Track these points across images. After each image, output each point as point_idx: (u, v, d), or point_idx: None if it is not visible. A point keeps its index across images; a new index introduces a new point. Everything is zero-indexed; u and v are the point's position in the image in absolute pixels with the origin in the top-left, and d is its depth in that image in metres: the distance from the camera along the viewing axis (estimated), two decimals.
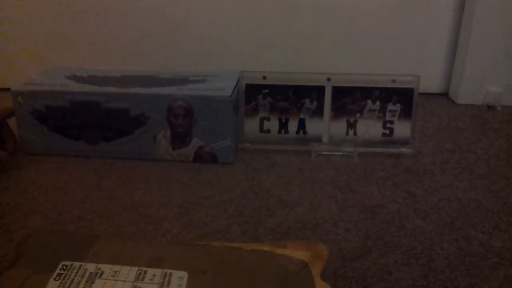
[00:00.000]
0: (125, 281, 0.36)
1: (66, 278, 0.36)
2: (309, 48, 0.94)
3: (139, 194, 0.59)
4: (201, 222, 0.53)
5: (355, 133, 0.70)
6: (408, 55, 0.94)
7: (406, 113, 0.69)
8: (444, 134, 0.78)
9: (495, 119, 0.84)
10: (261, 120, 0.70)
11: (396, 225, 0.53)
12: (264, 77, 0.69)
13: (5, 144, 0.67)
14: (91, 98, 0.65)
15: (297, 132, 0.70)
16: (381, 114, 0.69)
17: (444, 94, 0.96)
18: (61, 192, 0.60)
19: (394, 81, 0.68)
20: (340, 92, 0.68)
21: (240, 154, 0.70)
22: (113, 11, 0.92)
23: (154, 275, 0.37)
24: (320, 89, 0.69)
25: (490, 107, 0.90)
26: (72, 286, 0.35)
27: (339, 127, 0.70)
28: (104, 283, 0.36)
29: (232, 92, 0.65)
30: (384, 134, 0.70)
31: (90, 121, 0.67)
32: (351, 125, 0.70)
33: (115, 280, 0.36)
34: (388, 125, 0.69)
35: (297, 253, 0.42)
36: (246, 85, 0.69)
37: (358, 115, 0.69)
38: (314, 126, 0.70)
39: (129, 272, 0.37)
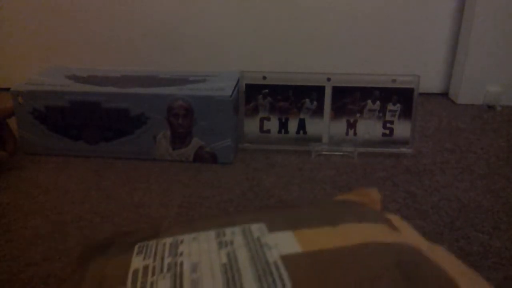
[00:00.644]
0: (208, 240, 0.36)
1: (147, 251, 0.36)
2: (309, 48, 0.94)
3: (139, 194, 0.59)
4: None
5: (355, 133, 0.70)
6: (408, 55, 0.94)
7: (406, 113, 0.69)
8: (444, 134, 0.78)
9: (495, 119, 0.84)
10: (261, 120, 0.70)
11: None
12: (264, 77, 0.69)
13: (5, 144, 0.67)
14: (91, 98, 0.65)
15: (297, 132, 0.70)
16: (381, 114, 0.69)
17: (444, 94, 0.96)
18: (61, 192, 0.60)
19: (394, 81, 0.68)
20: (340, 92, 0.68)
21: (240, 154, 0.70)
22: (113, 11, 0.92)
23: (233, 231, 0.37)
24: (320, 89, 0.69)
25: (490, 107, 0.90)
26: (157, 254, 0.35)
27: (339, 127, 0.70)
28: (189, 245, 0.36)
29: (232, 92, 0.65)
30: (384, 134, 0.70)
31: (90, 121, 0.67)
32: (351, 125, 0.70)
33: (198, 242, 0.36)
34: (388, 125, 0.69)
35: (353, 199, 0.44)
36: (246, 85, 0.69)
37: (358, 115, 0.69)
38: (314, 126, 0.70)
39: (208, 234, 0.37)
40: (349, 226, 0.37)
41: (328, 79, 0.68)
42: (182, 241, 0.36)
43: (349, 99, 0.69)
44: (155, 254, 0.35)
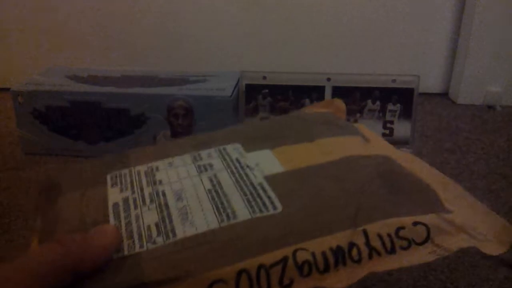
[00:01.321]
0: (185, 165, 0.34)
1: (123, 182, 0.34)
2: (309, 48, 0.94)
3: None
4: None
5: None
6: (408, 55, 0.93)
7: (406, 113, 0.69)
8: (444, 134, 0.78)
9: (495, 119, 0.84)
10: (261, 120, 0.70)
11: None
12: (264, 77, 0.69)
13: None
14: (91, 98, 0.65)
15: None
16: (381, 114, 0.69)
17: (444, 94, 0.96)
18: None
19: (394, 81, 0.68)
20: (340, 92, 0.68)
21: None
22: (113, 11, 0.92)
23: (209, 153, 0.36)
24: (320, 89, 0.69)
25: (490, 107, 0.90)
26: (134, 185, 0.33)
27: None
28: (167, 172, 0.34)
29: (232, 92, 0.65)
30: (384, 134, 0.70)
31: (90, 121, 0.67)
32: None
33: (175, 167, 0.34)
34: (388, 125, 0.69)
35: (320, 110, 0.44)
36: (246, 85, 0.69)
37: (358, 115, 0.69)
38: None
39: (183, 159, 0.35)
40: (326, 140, 0.37)
41: (328, 79, 0.68)
42: (157, 168, 0.34)
43: (349, 99, 0.69)
44: (132, 184, 0.33)
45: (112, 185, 0.33)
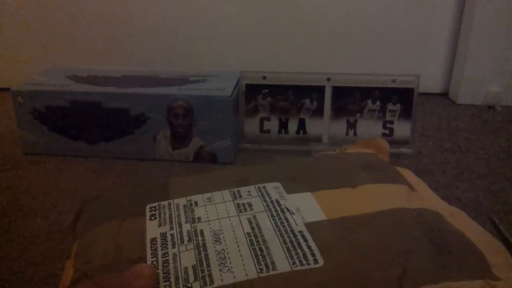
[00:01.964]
0: (224, 202, 0.34)
1: (161, 215, 0.33)
2: (309, 48, 0.94)
3: None
4: None
5: (355, 133, 0.70)
6: (408, 55, 0.94)
7: (406, 113, 0.69)
8: (444, 134, 0.78)
9: (495, 119, 0.84)
10: (261, 120, 0.70)
11: None
12: (264, 77, 0.69)
13: None
14: (91, 98, 0.65)
15: (297, 132, 0.70)
16: (381, 114, 0.69)
17: (444, 94, 0.96)
18: (61, 192, 0.60)
19: (394, 81, 0.68)
20: (340, 92, 0.68)
21: (240, 154, 0.70)
22: (113, 11, 0.92)
23: (249, 191, 0.35)
24: (320, 89, 0.69)
25: (490, 107, 0.90)
26: (173, 220, 0.32)
27: (339, 127, 0.70)
28: (205, 209, 0.33)
29: (232, 92, 0.65)
30: (384, 134, 0.70)
31: (90, 121, 0.67)
32: (351, 125, 0.70)
33: (214, 204, 0.34)
34: (388, 125, 0.69)
35: (362, 150, 0.43)
36: (246, 85, 0.69)
37: (358, 115, 0.69)
38: (314, 126, 0.70)
39: (222, 195, 0.35)
40: (369, 187, 0.36)
41: (328, 79, 0.68)
42: (196, 203, 0.34)
43: (349, 99, 0.69)
44: (171, 219, 0.33)
45: (150, 217, 0.33)
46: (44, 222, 0.53)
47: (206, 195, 0.35)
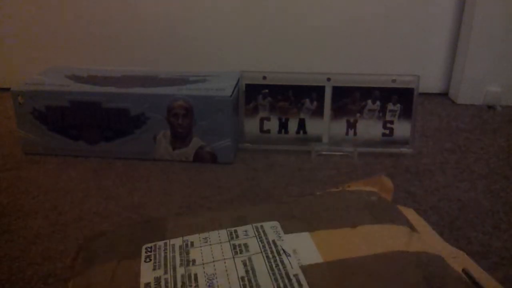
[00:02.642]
0: (220, 243, 0.34)
1: (157, 257, 0.33)
2: (309, 48, 0.94)
3: (139, 194, 0.59)
4: None
5: (355, 133, 0.70)
6: (408, 55, 0.94)
7: (406, 113, 0.69)
8: (444, 134, 0.78)
9: (495, 119, 0.84)
10: (261, 120, 0.70)
11: None
12: (264, 77, 0.69)
13: None
14: (91, 98, 0.65)
15: (297, 132, 0.70)
16: (381, 114, 0.69)
17: (444, 94, 0.96)
18: (61, 192, 0.60)
19: (394, 81, 0.68)
20: (340, 92, 0.68)
21: (240, 154, 0.70)
22: (113, 11, 0.92)
23: (246, 231, 0.35)
24: (320, 89, 0.69)
25: (490, 107, 0.90)
26: (168, 262, 0.32)
27: (339, 127, 0.70)
28: (201, 250, 0.33)
29: (232, 92, 0.65)
30: (384, 134, 0.70)
31: (90, 121, 0.67)
32: (351, 125, 0.70)
33: (210, 245, 0.33)
34: (388, 125, 0.69)
35: (365, 188, 0.42)
36: (246, 85, 0.69)
37: (358, 115, 0.69)
38: (314, 126, 0.70)
39: (219, 235, 0.34)
40: (369, 228, 0.35)
41: (328, 79, 0.68)
42: (192, 244, 0.34)
43: (349, 99, 0.69)
44: (165, 261, 0.33)
45: (145, 259, 0.33)
46: (44, 222, 0.53)
47: (203, 235, 0.35)
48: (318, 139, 0.70)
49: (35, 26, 0.94)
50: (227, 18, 0.92)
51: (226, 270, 0.31)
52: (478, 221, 0.54)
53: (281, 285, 0.30)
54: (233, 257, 0.32)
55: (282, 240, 0.34)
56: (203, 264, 0.32)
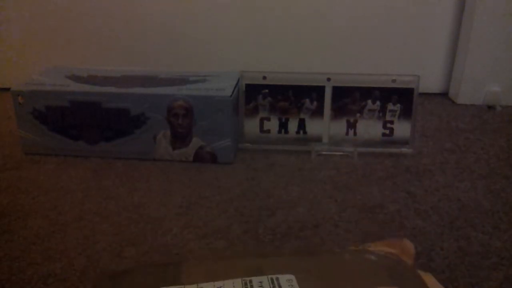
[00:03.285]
0: None
1: None
2: (309, 48, 0.94)
3: (139, 194, 0.59)
4: (201, 222, 0.53)
5: (355, 133, 0.70)
6: (408, 55, 0.94)
7: (406, 113, 0.69)
8: (444, 134, 0.78)
9: (495, 119, 0.84)
10: (261, 120, 0.70)
11: (396, 225, 0.53)
12: (264, 77, 0.69)
13: None
14: (91, 98, 0.65)
15: (297, 132, 0.70)
16: (381, 114, 0.69)
17: (444, 94, 0.96)
18: (61, 192, 0.60)
19: (394, 81, 0.68)
20: (340, 92, 0.68)
21: (240, 154, 0.70)
22: (113, 11, 0.92)
23: (261, 282, 0.34)
24: (320, 89, 0.69)
25: (490, 107, 0.90)
26: None
27: (339, 127, 0.70)
28: None
29: (232, 92, 0.65)
30: (384, 134, 0.70)
31: (90, 121, 0.67)
32: (351, 125, 0.70)
33: None
34: (388, 125, 0.69)
35: (385, 250, 0.41)
36: (246, 85, 0.69)
37: (358, 115, 0.69)
38: (314, 126, 0.70)
39: (233, 284, 0.34)
40: None
41: (328, 79, 0.68)
42: None
43: (349, 99, 0.69)
44: None
45: None
46: (44, 222, 0.53)
47: (218, 284, 0.35)
48: (318, 139, 0.70)
49: (35, 26, 0.94)
50: (227, 18, 0.92)
51: None
52: (478, 221, 0.54)
53: None
54: None
55: None
56: None
